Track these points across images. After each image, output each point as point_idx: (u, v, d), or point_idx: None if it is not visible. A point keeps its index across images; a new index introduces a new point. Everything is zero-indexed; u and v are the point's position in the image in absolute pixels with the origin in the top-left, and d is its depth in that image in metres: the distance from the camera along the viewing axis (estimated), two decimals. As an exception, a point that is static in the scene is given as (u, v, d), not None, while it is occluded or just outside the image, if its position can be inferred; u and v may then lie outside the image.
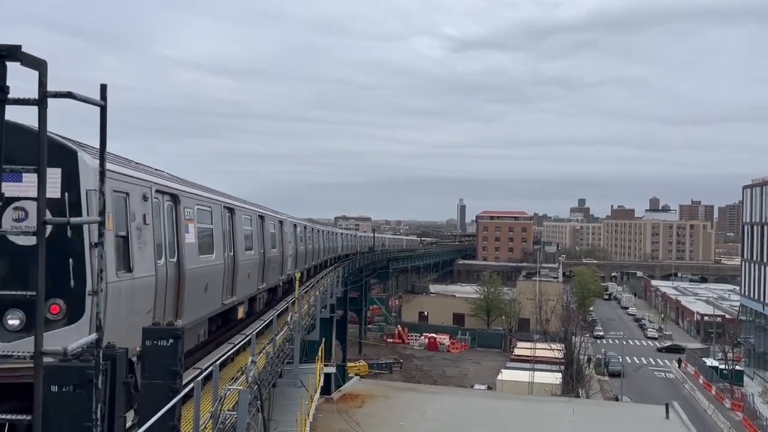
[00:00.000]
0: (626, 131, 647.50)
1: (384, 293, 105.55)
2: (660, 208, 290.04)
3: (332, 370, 30.53)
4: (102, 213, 4.04)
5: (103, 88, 3.84)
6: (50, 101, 3.49)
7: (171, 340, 8.60)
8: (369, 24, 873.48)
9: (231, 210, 14.06)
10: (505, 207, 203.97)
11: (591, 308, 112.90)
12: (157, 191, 9.06)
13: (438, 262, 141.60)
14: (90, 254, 6.55)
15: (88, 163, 6.68)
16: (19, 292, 4.08)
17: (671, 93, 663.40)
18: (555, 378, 51.03)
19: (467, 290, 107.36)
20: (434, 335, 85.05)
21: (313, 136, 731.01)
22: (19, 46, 3.36)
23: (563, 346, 59.46)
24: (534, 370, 52.29)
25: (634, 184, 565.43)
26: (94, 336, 4.07)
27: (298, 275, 24.72)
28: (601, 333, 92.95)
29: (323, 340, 27.43)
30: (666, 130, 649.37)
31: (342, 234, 57.77)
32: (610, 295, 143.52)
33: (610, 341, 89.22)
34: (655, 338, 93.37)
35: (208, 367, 10.93)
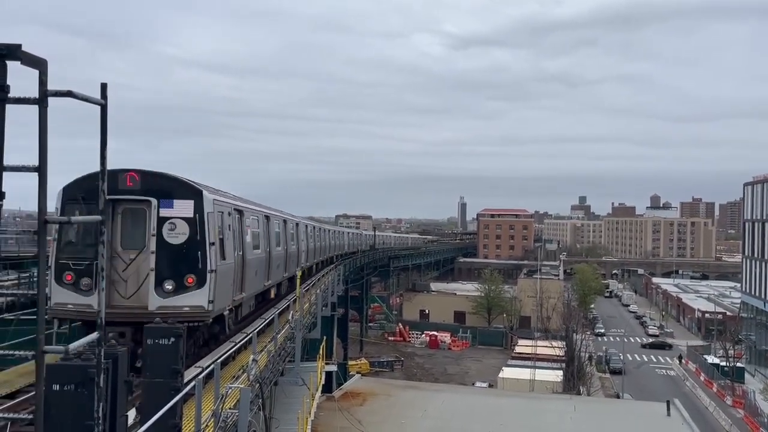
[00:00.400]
0: (627, 128, 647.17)
1: (385, 291, 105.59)
2: (661, 205, 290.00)
3: (333, 368, 30.55)
4: (102, 212, 4.06)
5: (104, 87, 3.84)
6: (51, 100, 3.49)
7: (172, 339, 8.62)
8: (370, 21, 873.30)
9: (267, 217, 19.18)
10: (506, 205, 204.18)
11: (592, 306, 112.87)
12: (234, 209, 13.95)
13: (439, 260, 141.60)
14: (209, 249, 11.20)
15: (208, 197, 11.59)
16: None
17: (673, 90, 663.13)
18: (556, 375, 51.02)
19: (468, 288, 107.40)
20: (435, 333, 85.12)
21: (313, 134, 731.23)
22: (19, 45, 3.36)
23: (564, 343, 59.46)
24: (535, 367, 52.30)
25: (635, 181, 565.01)
26: (95, 335, 4.08)
27: (299, 273, 24.73)
28: (602, 330, 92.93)
29: (324, 338, 27.46)
30: (668, 127, 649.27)
31: (348, 233, 63.49)
32: (611, 292, 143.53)
33: (611, 338, 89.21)
34: (656, 336, 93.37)
35: (210, 365, 10.94)
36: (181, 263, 11.89)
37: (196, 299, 11.88)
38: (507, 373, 53.84)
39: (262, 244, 18.25)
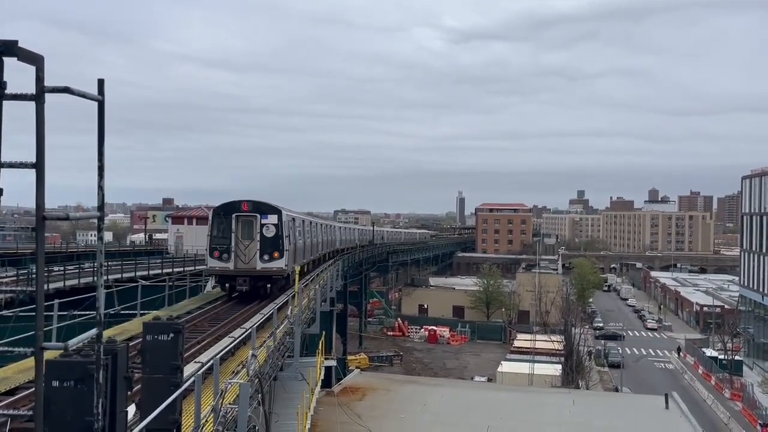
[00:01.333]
0: (627, 122, 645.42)
1: (384, 286, 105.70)
2: (659, 199, 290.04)
3: (333, 363, 30.62)
4: (101, 208, 4.06)
5: (101, 83, 3.83)
6: (48, 96, 3.48)
7: (171, 335, 8.63)
8: (369, 16, 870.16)
9: (302, 221, 31.82)
10: (505, 199, 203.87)
11: (590, 300, 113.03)
12: (294, 218, 26.51)
13: (437, 255, 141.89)
14: (284, 239, 24.47)
15: (285, 213, 24.84)
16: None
17: (673, 84, 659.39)
18: (555, 369, 51.14)
19: (467, 283, 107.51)
20: (434, 328, 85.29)
21: (313, 129, 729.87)
22: (16, 41, 3.35)
23: (563, 338, 59.59)
24: (534, 362, 52.42)
25: (634, 175, 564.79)
26: (94, 331, 4.08)
27: (297, 269, 24.82)
28: (601, 324, 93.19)
29: (323, 333, 27.49)
30: (667, 121, 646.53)
31: (359, 229, 74.53)
32: (609, 286, 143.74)
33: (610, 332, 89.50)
34: (654, 329, 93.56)
35: (209, 361, 10.96)
36: (272, 246, 25.20)
37: (279, 264, 25.20)
38: (506, 367, 53.93)
39: (304, 237, 32.07)
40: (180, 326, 8.73)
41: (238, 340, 15.63)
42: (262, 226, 25.44)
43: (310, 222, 36.02)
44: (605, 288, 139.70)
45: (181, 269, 42.09)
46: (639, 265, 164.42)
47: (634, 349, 78.11)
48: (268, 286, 25.51)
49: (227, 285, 25.53)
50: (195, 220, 71.42)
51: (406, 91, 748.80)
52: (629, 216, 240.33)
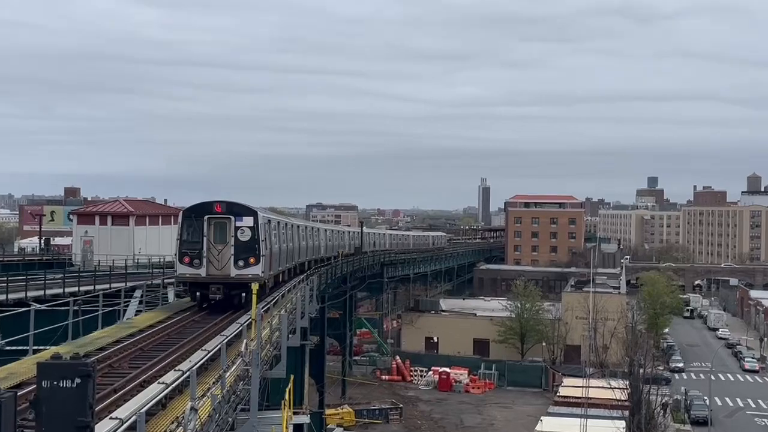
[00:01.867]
0: (717, 81, 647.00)
1: (376, 312, 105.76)
2: (762, 189, 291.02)
3: (305, 419, 30.61)
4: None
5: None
6: None
7: (77, 380, 8.57)
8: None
9: (278, 222, 37.74)
10: (546, 190, 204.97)
11: (666, 330, 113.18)
12: (270, 221, 33.75)
13: (452, 268, 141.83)
14: (260, 243, 30.77)
15: (261, 215, 31.78)
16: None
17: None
18: (616, 428, 51.41)
19: (493, 306, 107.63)
20: (447, 370, 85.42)
21: (277, 90, 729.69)
22: None
23: (627, 383, 59.73)
24: (587, 416, 52.60)
25: (727, 155, 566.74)
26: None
27: (255, 287, 24.87)
28: (681, 365, 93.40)
29: (292, 377, 27.45)
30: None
31: (351, 232, 76.11)
32: (692, 311, 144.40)
33: (693, 376, 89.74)
34: (755, 371, 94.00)
35: (130, 416, 10.92)
36: (247, 251, 30.06)
37: (255, 270, 30.00)
38: (548, 425, 54.11)
39: (280, 242, 37.74)
40: (89, 368, 8.67)
41: (171, 387, 15.60)
42: (236, 229, 30.96)
43: (290, 224, 43.27)
44: (687, 313, 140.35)
45: (91, 288, 42.00)
46: (734, 281, 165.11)
47: (726, 398, 78.51)
48: (243, 294, 29.60)
49: (198, 294, 30.63)
50: (110, 219, 71.30)
51: (409, 35, 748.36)
52: (721, 213, 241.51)
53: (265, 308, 27.49)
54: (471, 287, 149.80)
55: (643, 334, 79.55)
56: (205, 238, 30.67)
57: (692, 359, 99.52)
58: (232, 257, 30.71)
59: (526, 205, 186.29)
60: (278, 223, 37.98)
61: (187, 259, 30.62)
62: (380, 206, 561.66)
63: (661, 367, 75.47)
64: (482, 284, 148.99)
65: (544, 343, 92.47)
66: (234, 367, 18.98)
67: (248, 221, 31.15)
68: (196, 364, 17.81)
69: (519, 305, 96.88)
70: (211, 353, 20.25)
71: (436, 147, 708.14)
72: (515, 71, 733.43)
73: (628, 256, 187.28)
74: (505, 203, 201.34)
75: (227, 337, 21.93)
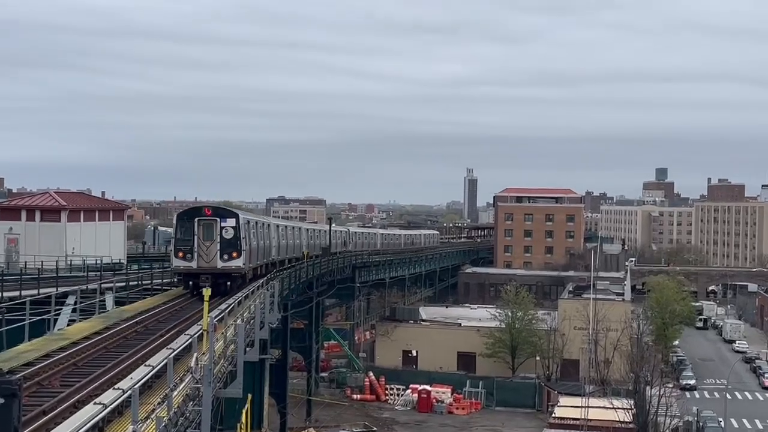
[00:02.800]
0: (737, 59, 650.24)
1: (347, 321, 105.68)
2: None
3: (264, 445, 30.51)
4: None
5: None
6: None
7: (0, 400, 8.45)
8: None
9: (256, 222, 50.95)
10: (542, 182, 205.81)
11: (676, 342, 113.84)
12: (249, 221, 47.60)
13: (433, 271, 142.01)
14: (241, 240, 43.71)
15: (242, 216, 45.80)
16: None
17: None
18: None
19: (480, 315, 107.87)
20: (427, 388, 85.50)
21: (233, 67, 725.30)
22: None
23: (632, 403, 60.11)
24: (586, 441, 52.82)
25: (747, 144, 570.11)
26: None
27: (207, 292, 24.81)
28: (693, 382, 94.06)
29: (249, 397, 27.34)
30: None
31: (337, 231, 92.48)
32: (706, 321, 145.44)
33: (707, 395, 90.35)
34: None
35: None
36: (230, 247, 42.77)
37: (237, 263, 42.88)
38: (542, 450, 54.29)
39: (258, 238, 49.22)
40: (15, 386, 8.57)
41: (109, 409, 15.47)
42: (221, 228, 42.93)
43: (270, 224, 57.91)
44: (699, 323, 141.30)
45: (17, 294, 41.61)
46: (753, 287, 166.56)
47: (744, 420, 79.12)
48: (228, 283, 42.57)
49: (191, 283, 42.30)
50: (39, 214, 70.63)
51: (385, 4, 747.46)
52: (738, 209, 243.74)
53: (219, 317, 27.38)
54: (455, 293, 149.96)
55: (650, 347, 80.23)
56: (195, 236, 42.58)
57: (706, 375, 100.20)
58: (218, 252, 42.67)
59: (518, 199, 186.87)
60: (256, 223, 50.80)
61: (180, 254, 42.48)
62: (351, 200, 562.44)
63: (670, 385, 75.90)
64: (468, 290, 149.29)
65: (537, 357, 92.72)
66: (182, 385, 18.85)
67: (231, 222, 43.34)
68: (138, 381, 17.68)
69: (510, 314, 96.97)
70: (155, 369, 20.13)
71: (416, 133, 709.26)
72: (508, 47, 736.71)
73: (633, 258, 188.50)
74: (494, 197, 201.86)
75: (175, 350, 21.83)
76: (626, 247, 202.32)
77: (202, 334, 23.14)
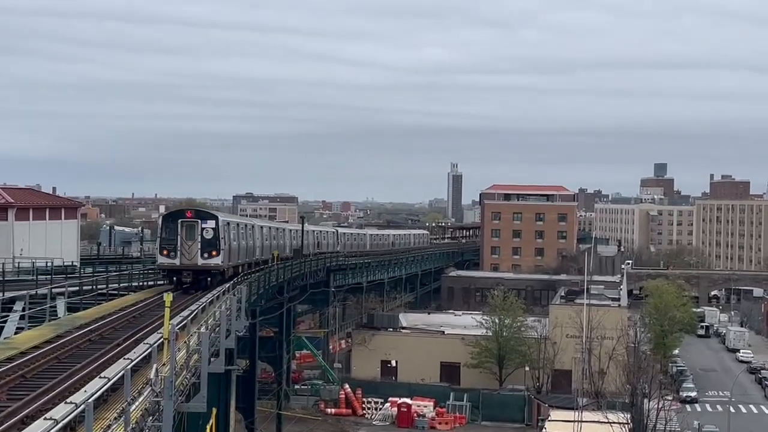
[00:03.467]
0: (742, 45, 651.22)
1: (321, 329, 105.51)
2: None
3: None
4: None
5: None
6: None
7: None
8: None
9: (237, 224, 59.19)
10: (532, 178, 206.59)
11: (676, 351, 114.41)
12: (229, 222, 55.38)
13: (414, 274, 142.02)
14: (220, 239, 51.57)
15: (221, 218, 53.63)
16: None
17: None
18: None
19: (465, 322, 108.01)
20: (408, 401, 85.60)
21: (192, 49, 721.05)
22: None
23: (629, 417, 60.39)
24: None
25: (753, 138, 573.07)
26: None
27: (168, 297, 24.74)
28: (694, 394, 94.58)
29: (214, 411, 27.28)
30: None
31: (320, 231, 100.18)
32: (708, 328, 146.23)
33: (709, 408, 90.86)
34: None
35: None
36: (210, 246, 50.60)
37: (216, 260, 50.82)
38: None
39: (239, 239, 57.22)
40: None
41: (61, 424, 15.42)
42: (202, 229, 50.31)
43: (252, 225, 65.81)
44: (701, 331, 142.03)
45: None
46: (758, 292, 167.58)
47: (748, 435, 79.65)
48: (209, 279, 50.33)
49: (174, 278, 50.27)
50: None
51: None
52: (743, 208, 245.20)
53: (182, 324, 27.32)
54: (438, 299, 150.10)
55: (648, 357, 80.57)
56: (179, 236, 50.02)
57: (708, 387, 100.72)
58: (199, 250, 50.04)
59: (507, 197, 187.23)
60: (237, 224, 58.29)
61: (165, 252, 50.08)
62: (326, 198, 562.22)
63: (669, 398, 76.36)
64: (452, 295, 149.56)
65: (527, 368, 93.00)
66: (141, 398, 18.79)
67: (211, 223, 50.95)
68: (93, 395, 17.61)
69: (497, 321, 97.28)
70: (112, 381, 20.04)
71: (396, 124, 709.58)
72: (496, 31, 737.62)
73: (630, 261, 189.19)
74: (480, 195, 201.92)
75: (133, 361, 21.75)
76: (622, 249, 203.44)
77: (162, 343, 23.06)
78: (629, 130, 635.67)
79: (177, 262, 49.42)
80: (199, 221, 50.35)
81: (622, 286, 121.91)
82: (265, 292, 63.37)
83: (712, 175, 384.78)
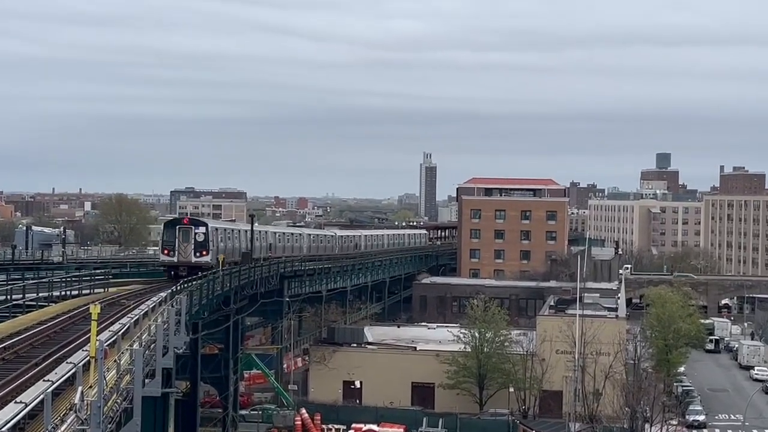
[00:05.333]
0: (758, 17, 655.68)
1: (274, 345, 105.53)
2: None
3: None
4: None
5: None
6: None
7: None
8: None
9: (225, 229, 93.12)
10: (516, 170, 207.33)
11: (682, 369, 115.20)
12: (216, 228, 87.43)
13: (381, 281, 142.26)
14: (209, 242, 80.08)
15: (211, 225, 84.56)
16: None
17: None
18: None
19: (440, 337, 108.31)
20: (374, 428, 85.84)
21: (131, 22, 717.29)
22: None
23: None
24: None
25: (765, 124, 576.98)
26: None
27: (95, 310, 24.58)
28: (702, 417, 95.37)
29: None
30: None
31: (310, 234, 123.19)
32: (717, 342, 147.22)
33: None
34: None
35: None
36: (201, 247, 79.31)
37: (206, 259, 78.96)
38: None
39: (225, 242, 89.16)
40: None
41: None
42: (195, 233, 75.70)
43: (239, 230, 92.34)
44: (710, 345, 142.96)
45: None
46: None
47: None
48: (200, 273, 69.75)
49: (172, 272, 73.37)
50: None
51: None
52: (757, 204, 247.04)
53: (111, 340, 27.18)
54: (409, 309, 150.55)
55: (650, 375, 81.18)
56: (176, 239, 74.43)
57: (718, 409, 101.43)
58: (193, 250, 74.05)
59: (488, 192, 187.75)
60: (224, 230, 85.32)
61: (166, 251, 75.26)
62: (279, 193, 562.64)
63: (674, 422, 77.01)
64: (425, 305, 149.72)
65: (511, 389, 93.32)
66: (65, 426, 18.69)
67: (202, 229, 76.22)
68: (6, 423, 17.47)
69: (477, 335, 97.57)
70: (29, 407, 19.88)
71: (360, 108, 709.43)
72: (477, 0, 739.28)
73: (629, 265, 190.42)
74: (457, 189, 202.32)
75: (54, 383, 21.59)
76: (620, 251, 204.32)
77: (89, 362, 22.91)
78: (628, 114, 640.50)
79: (175, 259, 74.47)
80: (193, 227, 75.93)
81: (619, 295, 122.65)
82: (209, 302, 63.31)
83: (722, 167, 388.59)
